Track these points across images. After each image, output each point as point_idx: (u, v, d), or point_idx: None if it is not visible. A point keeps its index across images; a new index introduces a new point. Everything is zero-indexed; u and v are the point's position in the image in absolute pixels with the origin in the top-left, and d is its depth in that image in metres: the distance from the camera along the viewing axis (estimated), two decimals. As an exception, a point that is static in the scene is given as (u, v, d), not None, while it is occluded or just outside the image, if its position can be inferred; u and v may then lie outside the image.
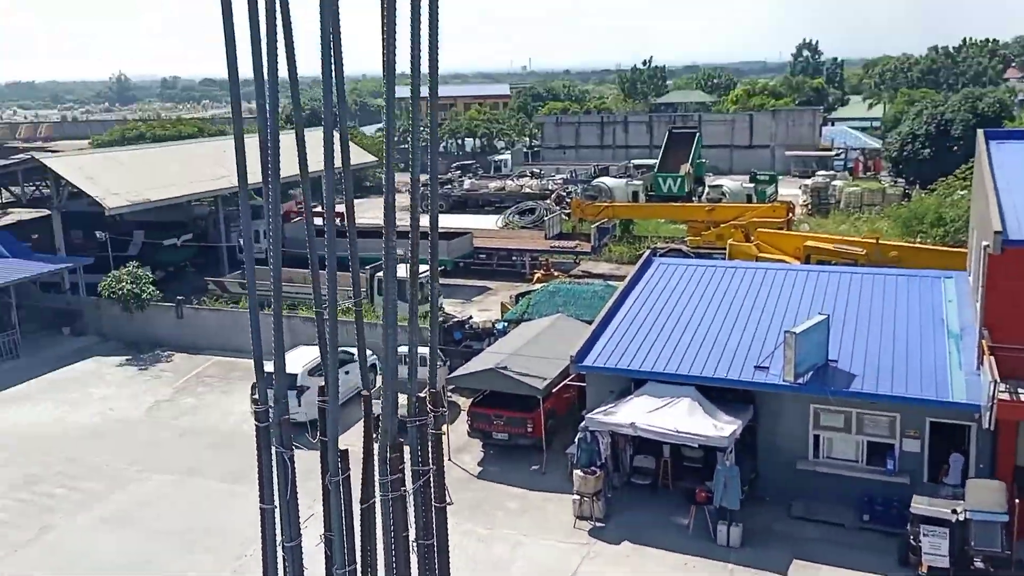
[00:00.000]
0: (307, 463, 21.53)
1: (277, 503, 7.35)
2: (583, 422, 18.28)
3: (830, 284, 21.80)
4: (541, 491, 19.33)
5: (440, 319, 28.66)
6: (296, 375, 22.94)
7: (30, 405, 25.74)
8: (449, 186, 58.81)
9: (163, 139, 53.14)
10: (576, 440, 18.33)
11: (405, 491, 5.96)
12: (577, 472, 17.86)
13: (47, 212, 36.81)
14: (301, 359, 23.87)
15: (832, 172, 60.84)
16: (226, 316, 31.04)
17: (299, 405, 22.80)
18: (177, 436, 23.35)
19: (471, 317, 28.91)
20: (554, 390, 20.57)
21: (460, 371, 21.85)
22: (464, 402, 23.44)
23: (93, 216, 34.84)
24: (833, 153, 69.89)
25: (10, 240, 33.76)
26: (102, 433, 23.58)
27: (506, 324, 26.55)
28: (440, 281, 31.13)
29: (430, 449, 6.60)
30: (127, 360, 29.69)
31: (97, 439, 23.14)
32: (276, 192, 7.42)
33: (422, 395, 6.34)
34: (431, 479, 6.59)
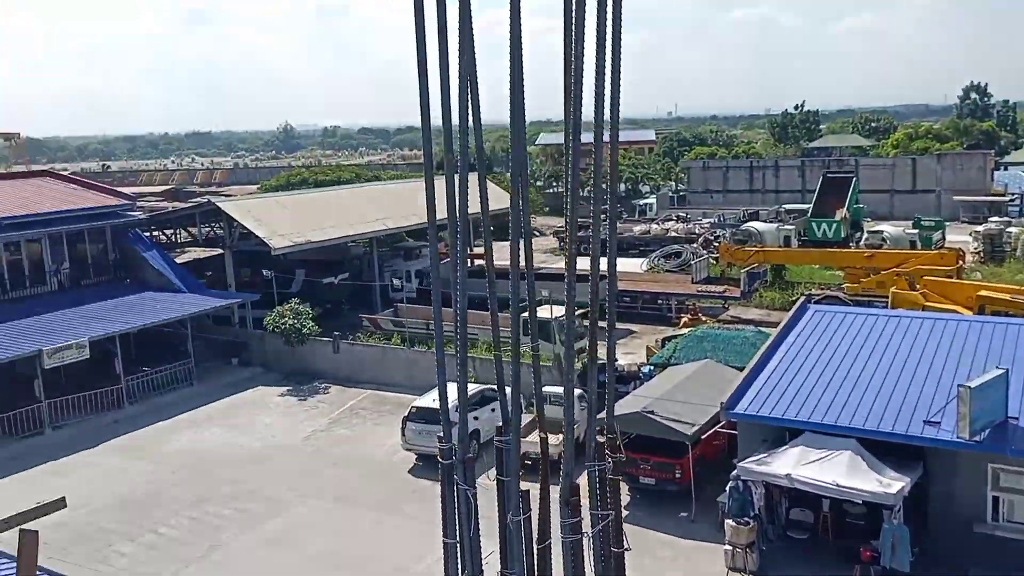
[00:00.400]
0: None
1: (459, 538, 7.42)
2: (735, 471, 17.68)
3: (1008, 336, 20.23)
4: (691, 539, 18.78)
5: (584, 361, 28.67)
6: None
7: (202, 429, 27.56)
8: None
9: (324, 184, 56.39)
10: (727, 489, 17.74)
11: (585, 534, 5.94)
12: (729, 522, 17.25)
13: (220, 251, 39.67)
14: (450, 396, 24.38)
15: (1007, 218, 56.78)
16: (378, 352, 32.26)
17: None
18: (331, 464, 24.32)
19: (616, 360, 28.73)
20: (703, 436, 20.06)
21: (606, 413, 21.68)
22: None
23: (260, 255, 37.19)
24: (1007, 198, 65.32)
25: (187, 276, 36.57)
26: (264, 458, 24.89)
27: (652, 368, 26.19)
28: (585, 323, 31.19)
29: (608, 493, 6.55)
30: (288, 390, 31.34)
31: (260, 463, 24.44)
32: (463, 235, 7.63)
33: (601, 440, 6.33)
34: (610, 524, 6.54)
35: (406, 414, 24.06)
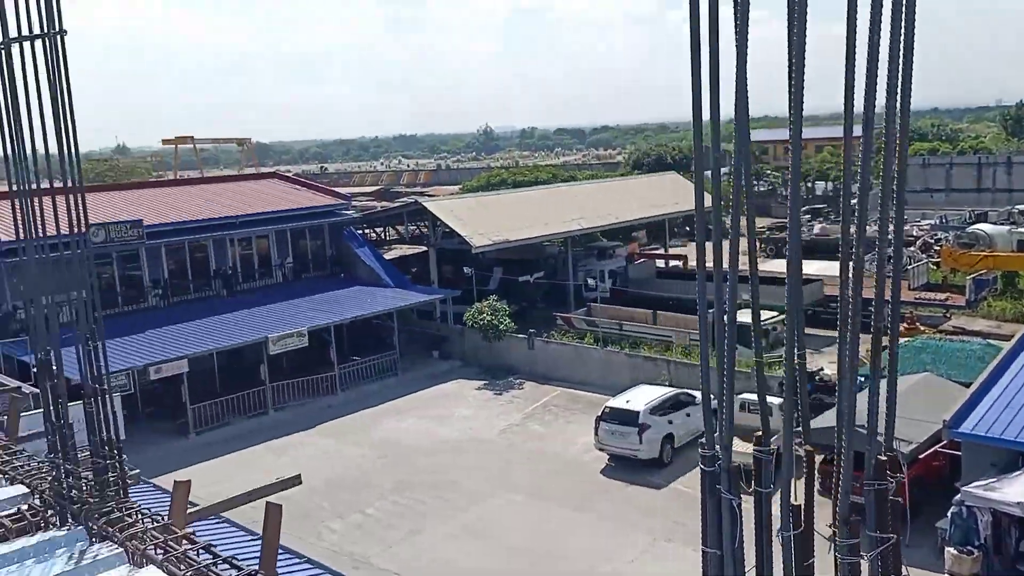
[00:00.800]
0: (652, 501, 21.45)
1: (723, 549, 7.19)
2: (958, 495, 16.21)
3: None
4: (907, 565, 17.39)
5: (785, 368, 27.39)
6: (638, 413, 23.24)
7: (405, 418, 29.00)
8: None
9: (521, 184, 57.59)
10: (949, 514, 16.30)
11: (863, 557, 5.60)
12: (950, 550, 15.84)
13: (425, 248, 41.56)
14: (643, 398, 24.14)
15: None
16: (572, 350, 32.50)
17: (640, 443, 23.08)
18: (525, 459, 24.78)
19: (822, 369, 27.21)
20: (921, 455, 18.55)
21: (811, 425, 20.57)
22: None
23: (462, 253, 38.56)
24: None
25: (394, 272, 38.62)
26: (462, 449, 25.79)
27: (862, 379, 24.57)
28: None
29: (888, 516, 6.15)
30: (485, 384, 32.30)
31: (458, 454, 25.36)
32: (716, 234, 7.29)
33: (883, 458, 5.93)
34: (889, 548, 6.14)
35: (599, 414, 24.07)
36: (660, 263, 48.40)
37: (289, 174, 56.10)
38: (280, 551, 4.05)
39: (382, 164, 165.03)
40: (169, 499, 4.85)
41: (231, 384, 29.76)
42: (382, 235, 46.56)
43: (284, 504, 6.18)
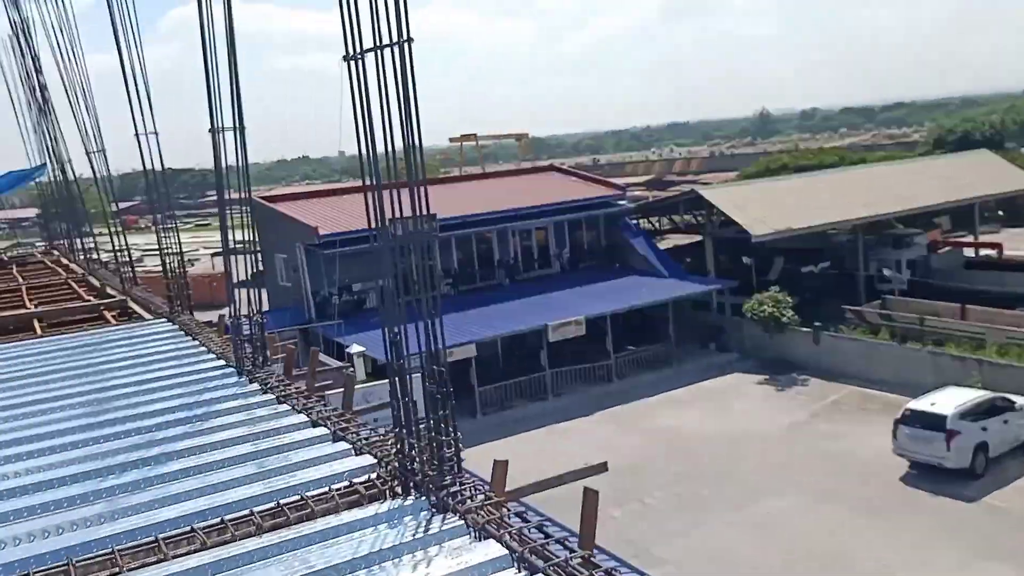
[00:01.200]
0: (961, 515, 19.43)
1: None
2: None
3: None
4: None
5: None
6: (945, 417, 21.08)
7: (681, 409, 28.67)
8: None
9: (804, 169, 54.45)
10: None
11: None
12: None
13: (700, 238, 40.73)
14: (952, 401, 21.84)
15: None
16: (864, 346, 30.25)
17: (947, 450, 20.94)
18: (811, 459, 23.45)
19: None
20: None
21: None
22: None
23: (739, 242, 37.27)
24: None
25: (669, 262, 38.24)
26: (741, 444, 24.98)
27: None
28: None
29: None
30: (765, 379, 31.03)
31: (739, 448, 24.60)
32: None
33: None
34: None
35: (899, 416, 22.13)
36: (968, 252, 43.49)
37: (563, 166, 57.60)
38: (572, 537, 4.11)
39: (653, 153, 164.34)
40: (470, 476, 5.09)
41: (513, 369, 31.18)
42: (656, 225, 46.35)
43: (566, 488, 6.31)
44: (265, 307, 9.40)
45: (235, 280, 9.42)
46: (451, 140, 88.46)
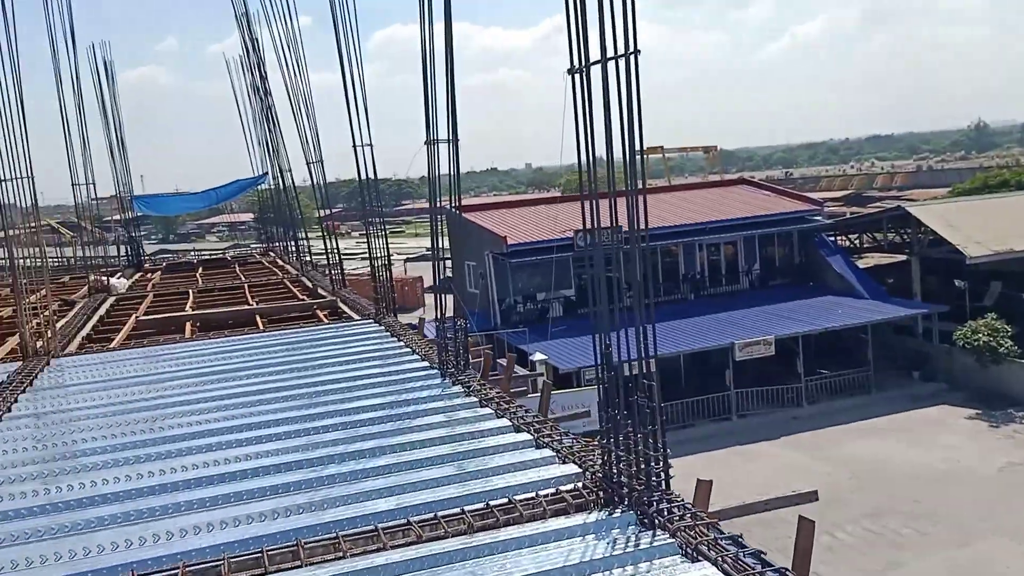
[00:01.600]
0: None
1: None
2: None
3: None
4: None
5: None
6: None
7: (878, 439, 26.85)
8: None
9: (1029, 185, 49.51)
10: None
11: None
12: None
13: (904, 258, 38.00)
14: None
15: None
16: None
17: None
18: (1031, 506, 21.27)
19: None
20: None
21: None
22: None
23: (950, 263, 34.49)
24: None
25: (869, 282, 35.97)
26: (947, 481, 23.05)
27: None
28: None
29: None
30: (977, 413, 28.48)
31: (942, 486, 22.72)
32: None
33: None
34: None
35: None
36: None
37: (754, 179, 55.67)
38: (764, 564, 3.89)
39: (852, 167, 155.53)
40: (677, 495, 4.97)
41: (696, 386, 30.45)
42: (855, 243, 43.74)
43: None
44: (451, 312, 9.69)
45: (432, 285, 9.79)
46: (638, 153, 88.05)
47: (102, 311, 14.73)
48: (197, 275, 20.66)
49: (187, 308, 14.43)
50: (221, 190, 29.27)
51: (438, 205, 9.35)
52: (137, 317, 13.52)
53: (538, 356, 25.80)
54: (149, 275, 22.54)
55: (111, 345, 11.55)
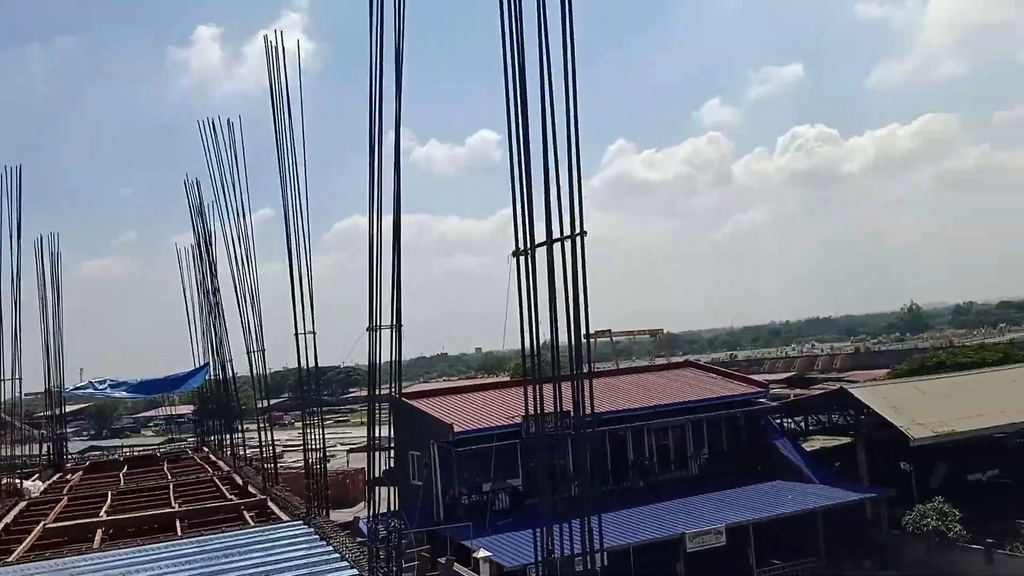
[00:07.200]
0: None
1: None
2: None
3: None
4: None
5: None
6: None
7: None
8: None
9: (965, 367, 50.99)
10: None
11: None
12: None
13: (848, 440, 38.21)
14: None
15: None
16: (1051, 569, 26.71)
17: None
18: None
19: None
20: None
21: None
22: None
23: (895, 445, 34.73)
24: None
25: (816, 466, 35.87)
26: None
27: None
28: None
29: None
30: (934, 604, 27.71)
31: None
32: None
33: None
34: None
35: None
36: None
37: (698, 362, 56.54)
38: None
39: (793, 349, 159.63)
40: None
41: (646, 580, 29.25)
42: (800, 425, 44.01)
43: None
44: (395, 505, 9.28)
45: (371, 479, 9.42)
46: (585, 336, 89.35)
47: (8, 519, 13.82)
48: (120, 475, 19.74)
49: (101, 513, 13.62)
50: (163, 381, 28.60)
51: (378, 392, 9.15)
52: (45, 525, 12.68)
53: (482, 553, 24.68)
54: (69, 475, 21.44)
55: (9, 559, 10.72)
